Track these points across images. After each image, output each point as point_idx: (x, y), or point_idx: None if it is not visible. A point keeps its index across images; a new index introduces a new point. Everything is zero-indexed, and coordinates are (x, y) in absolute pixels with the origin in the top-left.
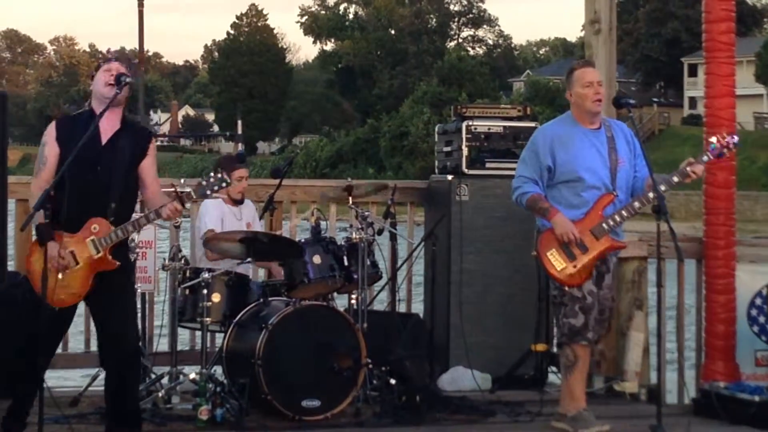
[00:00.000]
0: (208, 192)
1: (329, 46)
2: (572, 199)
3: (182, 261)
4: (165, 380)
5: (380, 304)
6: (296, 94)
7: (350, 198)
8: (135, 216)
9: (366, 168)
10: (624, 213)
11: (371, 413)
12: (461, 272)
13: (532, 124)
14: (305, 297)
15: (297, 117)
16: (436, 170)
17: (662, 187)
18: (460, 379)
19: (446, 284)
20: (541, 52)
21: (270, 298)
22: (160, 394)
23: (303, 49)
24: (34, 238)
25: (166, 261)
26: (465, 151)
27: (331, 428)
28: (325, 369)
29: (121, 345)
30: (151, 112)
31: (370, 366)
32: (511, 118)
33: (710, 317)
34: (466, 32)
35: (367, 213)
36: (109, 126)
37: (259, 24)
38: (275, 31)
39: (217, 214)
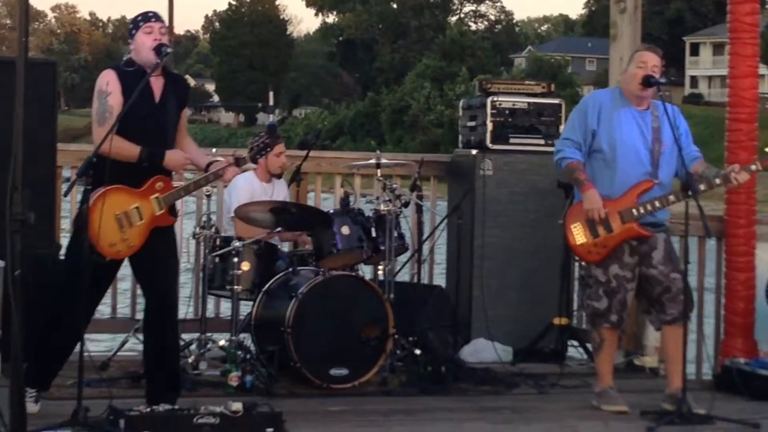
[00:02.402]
0: (262, 153)
1: (331, 18)
2: (607, 175)
3: (213, 229)
4: (193, 347)
5: (402, 276)
6: (297, 66)
7: (378, 170)
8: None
9: (368, 141)
10: (657, 204)
11: (397, 383)
12: (484, 246)
13: (556, 101)
14: (333, 267)
15: (297, 89)
16: (460, 145)
17: (701, 187)
18: (482, 351)
19: (469, 257)
20: (542, 28)
21: (298, 268)
22: (189, 361)
23: (305, 21)
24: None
25: (197, 229)
26: (489, 126)
27: (358, 396)
28: (353, 338)
29: (167, 303)
30: None
31: (396, 336)
32: (535, 95)
33: (730, 295)
34: (468, 7)
35: (395, 185)
36: (156, 83)
37: None
38: (277, 3)
39: (247, 190)
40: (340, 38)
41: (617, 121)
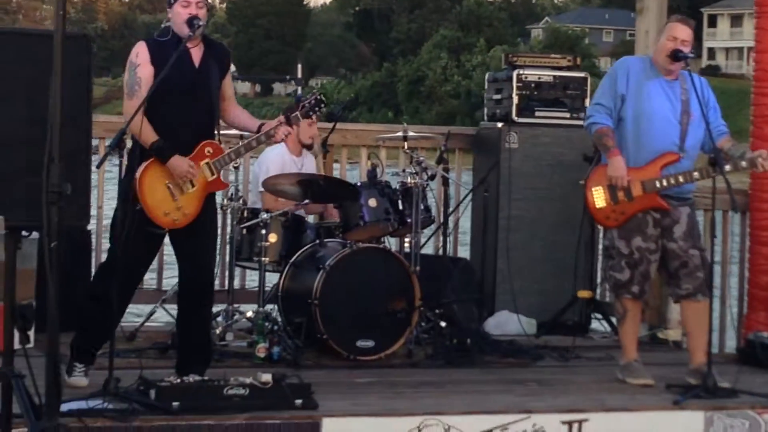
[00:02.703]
0: (311, 113)
1: None
2: (633, 142)
3: (240, 201)
4: (220, 318)
5: (426, 249)
6: (313, 36)
7: (405, 143)
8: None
9: (384, 111)
10: (681, 178)
11: (423, 355)
12: (509, 218)
13: (582, 74)
14: (359, 239)
15: (314, 59)
16: (485, 117)
17: (727, 167)
18: (506, 323)
19: (494, 230)
20: None
21: (325, 240)
22: (217, 332)
23: None
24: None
25: (225, 201)
26: (515, 99)
27: (384, 368)
28: (379, 310)
29: (205, 275)
30: None
31: (422, 309)
32: (561, 68)
33: (754, 268)
34: None
35: (422, 158)
36: (195, 51)
37: None
38: None
39: (278, 162)
40: (357, 8)
41: (647, 92)
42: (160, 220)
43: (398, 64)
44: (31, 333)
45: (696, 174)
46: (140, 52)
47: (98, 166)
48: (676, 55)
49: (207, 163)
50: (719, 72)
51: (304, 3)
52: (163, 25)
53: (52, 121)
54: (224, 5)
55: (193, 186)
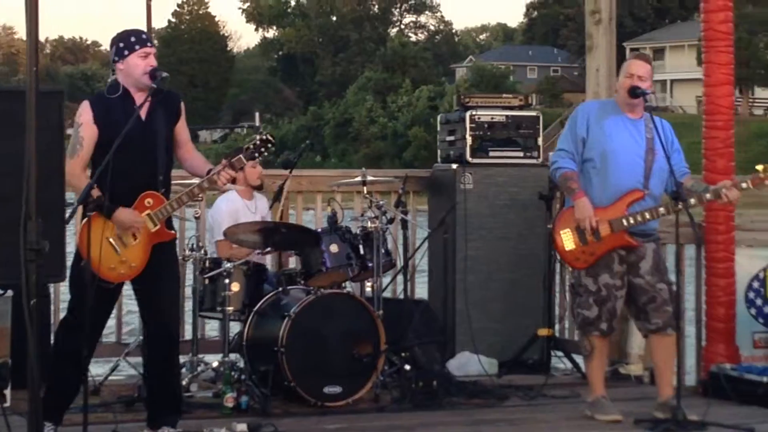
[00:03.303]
0: (257, 155)
1: (271, 33)
2: (598, 182)
3: (202, 251)
4: (184, 369)
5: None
6: (238, 81)
7: (365, 187)
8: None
9: (312, 155)
10: (647, 215)
11: (390, 398)
12: (466, 259)
13: (534, 113)
14: (321, 285)
15: (239, 105)
16: (439, 159)
17: (692, 201)
18: (468, 364)
19: (452, 271)
20: (481, 37)
21: (288, 287)
22: (183, 383)
23: (245, 36)
24: (82, 220)
25: (186, 251)
26: (469, 140)
27: (352, 414)
28: (346, 356)
29: (169, 322)
30: None
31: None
32: (512, 108)
33: (711, 301)
34: (408, 18)
35: (382, 202)
36: (142, 100)
37: (201, 12)
38: (217, 19)
39: (231, 210)
40: (281, 53)
41: (607, 129)
42: (106, 275)
43: (324, 107)
44: (7, 392)
45: (662, 209)
46: (83, 112)
47: (66, 222)
48: (634, 92)
49: (148, 215)
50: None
51: (228, 49)
52: (110, 80)
53: (28, 178)
54: None
55: (135, 238)
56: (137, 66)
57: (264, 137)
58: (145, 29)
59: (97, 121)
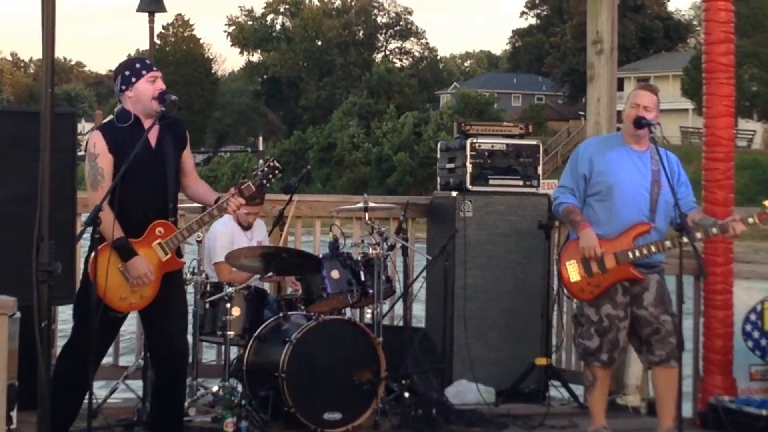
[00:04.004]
0: (265, 181)
1: (255, 57)
2: (603, 214)
3: (203, 275)
4: None
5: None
6: (222, 104)
7: (366, 213)
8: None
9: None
10: (653, 248)
11: (389, 425)
12: (465, 287)
13: (534, 142)
14: (322, 311)
15: (223, 128)
16: (439, 187)
17: (698, 235)
18: (465, 392)
19: (450, 299)
20: (466, 64)
21: (288, 312)
22: None
23: (229, 59)
24: (93, 245)
25: (188, 275)
26: (469, 167)
27: None
28: (346, 382)
29: (177, 346)
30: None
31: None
32: (513, 136)
33: (709, 332)
34: (394, 44)
35: (383, 229)
36: (152, 129)
37: (186, 34)
38: (201, 42)
39: (227, 234)
40: (265, 76)
41: (612, 162)
42: (116, 305)
43: (308, 132)
44: (14, 414)
45: (668, 243)
46: (97, 143)
47: (74, 243)
48: (639, 122)
49: (159, 244)
50: None
51: (212, 72)
52: (116, 110)
53: (42, 200)
54: None
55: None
56: (147, 91)
57: (271, 164)
58: (142, 50)
59: (111, 150)
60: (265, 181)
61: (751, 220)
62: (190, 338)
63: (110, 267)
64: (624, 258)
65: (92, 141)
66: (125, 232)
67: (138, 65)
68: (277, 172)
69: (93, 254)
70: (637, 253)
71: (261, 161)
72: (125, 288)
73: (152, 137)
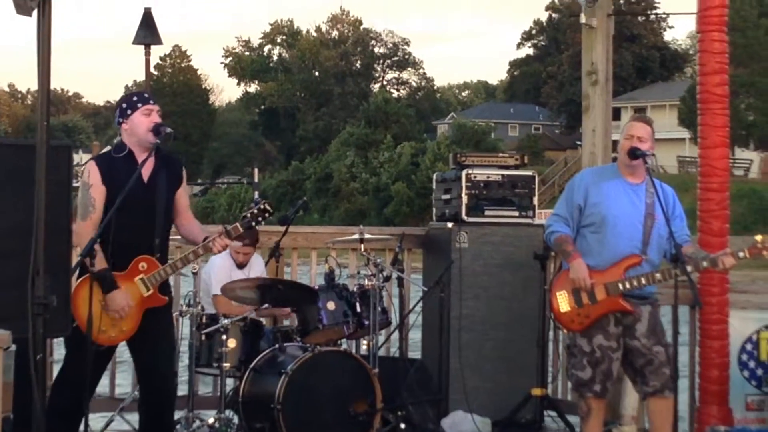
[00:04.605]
0: (253, 223)
1: (253, 87)
2: (596, 245)
3: (199, 307)
4: (179, 426)
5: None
6: (219, 135)
7: (362, 245)
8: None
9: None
10: (643, 280)
11: None
12: (460, 317)
13: (530, 173)
14: (318, 342)
15: (220, 159)
16: (434, 218)
17: (689, 268)
18: (461, 423)
19: (446, 329)
20: (463, 94)
21: (284, 344)
22: None
23: (227, 90)
24: (78, 278)
25: (184, 307)
26: (465, 198)
27: None
28: (342, 413)
29: (165, 386)
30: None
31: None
32: (508, 167)
33: (705, 362)
34: (391, 74)
35: (379, 260)
36: (146, 163)
37: (183, 65)
38: (199, 73)
39: (225, 267)
40: (262, 107)
41: (606, 193)
42: (96, 338)
43: (306, 162)
44: None
45: (658, 275)
46: (92, 173)
47: (69, 276)
48: (633, 153)
49: (141, 279)
50: None
51: (209, 102)
52: (116, 141)
53: (37, 233)
54: None
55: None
56: (141, 123)
57: (262, 206)
58: (140, 81)
59: (105, 181)
60: (254, 224)
61: (741, 254)
62: (184, 371)
63: (88, 300)
64: (614, 289)
65: (87, 170)
66: (109, 264)
67: (135, 98)
68: (267, 215)
69: (75, 287)
70: (628, 285)
71: (253, 203)
72: (105, 320)
73: (146, 171)
